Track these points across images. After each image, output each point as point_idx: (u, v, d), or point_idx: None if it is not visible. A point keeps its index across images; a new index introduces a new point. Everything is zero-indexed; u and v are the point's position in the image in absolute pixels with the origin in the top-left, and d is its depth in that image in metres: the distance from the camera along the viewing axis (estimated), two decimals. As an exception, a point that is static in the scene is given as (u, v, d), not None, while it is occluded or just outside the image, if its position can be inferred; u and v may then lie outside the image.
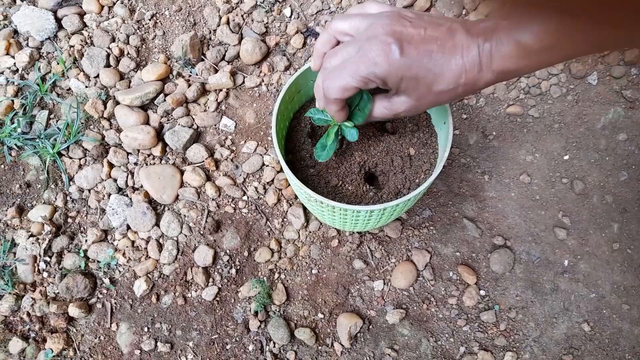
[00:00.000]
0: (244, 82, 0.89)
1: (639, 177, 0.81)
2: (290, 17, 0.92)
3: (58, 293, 0.80)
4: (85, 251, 0.82)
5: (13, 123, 0.86)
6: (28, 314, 0.79)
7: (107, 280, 0.81)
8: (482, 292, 0.77)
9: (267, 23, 0.92)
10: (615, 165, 0.81)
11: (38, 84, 0.89)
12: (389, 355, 0.75)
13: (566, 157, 0.83)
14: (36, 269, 0.81)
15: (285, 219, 0.82)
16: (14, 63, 0.91)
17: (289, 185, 0.82)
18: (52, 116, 0.89)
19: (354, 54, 0.42)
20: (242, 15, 0.92)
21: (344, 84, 0.43)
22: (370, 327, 0.77)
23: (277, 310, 0.78)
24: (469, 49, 0.39)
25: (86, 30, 0.93)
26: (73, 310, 0.78)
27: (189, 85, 0.88)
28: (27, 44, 0.93)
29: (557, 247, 0.79)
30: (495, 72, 0.40)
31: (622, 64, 0.84)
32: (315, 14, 0.92)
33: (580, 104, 0.85)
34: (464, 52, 0.40)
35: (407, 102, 0.45)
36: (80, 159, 0.86)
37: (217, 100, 0.88)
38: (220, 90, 0.89)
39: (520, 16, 0.37)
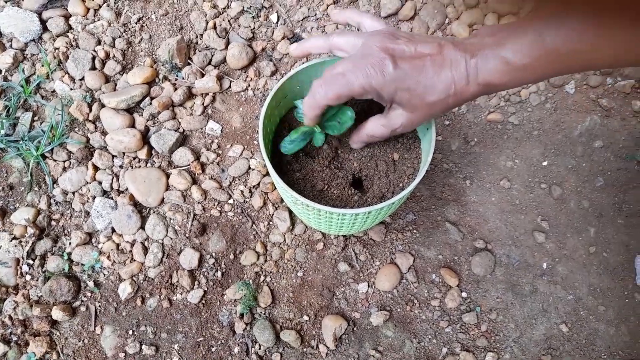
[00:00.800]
0: (230, 86, 0.90)
1: (614, 183, 0.83)
2: (277, 23, 0.93)
3: (41, 296, 0.79)
4: (69, 254, 0.81)
5: (-4, 125, 0.86)
6: (10, 318, 0.78)
7: (91, 283, 0.80)
8: (464, 294, 0.79)
9: (253, 28, 0.93)
10: (591, 171, 0.84)
11: (22, 86, 0.88)
12: (373, 356, 0.76)
13: (545, 163, 0.85)
14: (19, 272, 0.80)
15: (271, 222, 0.83)
16: (-2, 64, 0.90)
17: (275, 188, 0.83)
18: (36, 118, 0.88)
19: (351, 68, 0.46)
20: (228, 21, 0.93)
21: (338, 92, 0.46)
22: (355, 328, 0.78)
23: (263, 312, 0.79)
24: (457, 63, 0.43)
25: (71, 33, 0.93)
26: (56, 314, 0.77)
27: (175, 89, 0.88)
28: (11, 46, 0.92)
29: (536, 251, 0.81)
30: (481, 85, 0.44)
31: (599, 74, 0.87)
32: (302, 20, 0.93)
33: (558, 112, 0.87)
34: (452, 65, 0.43)
35: (402, 115, 0.49)
36: (64, 162, 0.86)
37: (203, 104, 0.89)
38: (207, 94, 0.89)
39: (503, 35, 0.42)
